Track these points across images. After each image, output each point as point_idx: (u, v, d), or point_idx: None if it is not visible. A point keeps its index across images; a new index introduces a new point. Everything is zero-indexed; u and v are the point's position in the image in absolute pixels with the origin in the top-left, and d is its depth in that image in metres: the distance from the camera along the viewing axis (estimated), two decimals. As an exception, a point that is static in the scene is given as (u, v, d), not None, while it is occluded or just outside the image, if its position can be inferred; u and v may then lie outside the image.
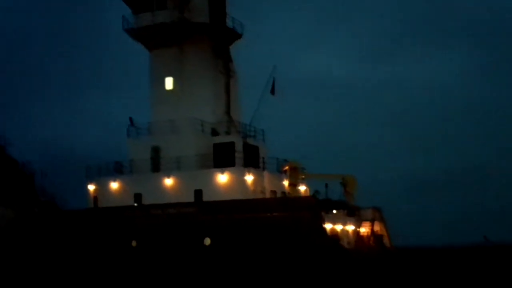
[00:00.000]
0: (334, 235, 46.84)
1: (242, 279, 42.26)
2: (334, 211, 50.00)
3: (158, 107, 52.94)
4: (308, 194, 56.03)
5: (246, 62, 57.71)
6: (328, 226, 47.53)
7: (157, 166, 50.04)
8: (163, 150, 50.17)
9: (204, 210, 44.50)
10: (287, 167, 49.69)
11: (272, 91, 52.60)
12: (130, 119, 52.48)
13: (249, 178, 47.08)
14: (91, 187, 51.28)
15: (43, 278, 47.82)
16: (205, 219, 44.06)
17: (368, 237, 53.24)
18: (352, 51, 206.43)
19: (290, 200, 44.55)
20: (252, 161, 50.70)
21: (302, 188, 55.56)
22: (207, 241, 43.83)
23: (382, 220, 55.11)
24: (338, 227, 49.60)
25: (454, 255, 42.56)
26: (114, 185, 50.16)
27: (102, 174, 51.28)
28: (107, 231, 47.10)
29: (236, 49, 55.74)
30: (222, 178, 46.78)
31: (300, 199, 44.68)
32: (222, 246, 43.18)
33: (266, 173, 49.32)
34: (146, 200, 48.42)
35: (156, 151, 50.46)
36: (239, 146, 50.19)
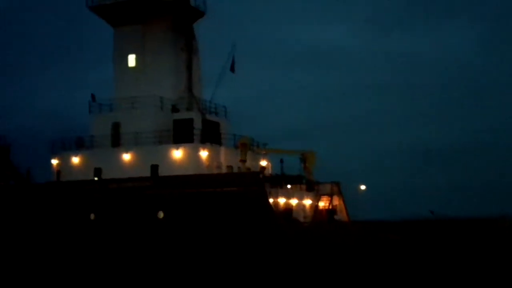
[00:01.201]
0: (287, 209, 48.43)
1: (191, 251, 43.94)
2: (289, 186, 51.49)
3: (121, 83, 54.17)
4: (269, 169, 57.67)
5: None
6: (281, 200, 49.24)
7: (117, 142, 51.43)
8: (123, 126, 51.50)
9: (157, 184, 46.03)
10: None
11: (232, 69, 53.78)
12: (92, 95, 53.82)
13: (204, 153, 48.44)
14: (54, 161, 52.72)
15: (10, 250, 49.55)
16: (158, 193, 45.59)
17: (326, 211, 54.92)
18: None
19: (237, 175, 45.95)
20: (212, 137, 51.98)
21: (264, 163, 57.08)
22: (160, 214, 45.45)
23: (340, 194, 56.66)
24: (293, 201, 51.18)
25: (402, 228, 44.07)
26: (76, 160, 51.61)
27: (65, 149, 52.66)
28: (67, 205, 48.68)
29: (199, 27, 56.87)
30: (177, 153, 48.16)
31: (246, 174, 45.97)
32: (174, 219, 44.79)
33: (222, 149, 50.62)
34: (106, 175, 49.85)
35: (116, 127, 51.81)
36: (198, 123, 51.46)
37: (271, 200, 46.61)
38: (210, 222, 43.75)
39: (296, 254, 41.81)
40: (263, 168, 47.40)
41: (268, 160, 57.44)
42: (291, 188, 52.11)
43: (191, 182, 45.01)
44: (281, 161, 54.80)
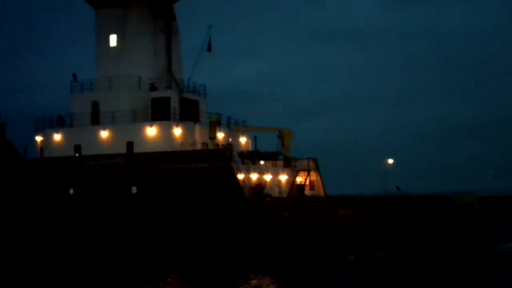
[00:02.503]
0: (258, 184, 50.09)
1: (162, 225, 45.93)
2: (262, 162, 53.10)
3: (102, 63, 55.97)
4: (249, 146, 59.37)
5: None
6: (253, 176, 50.92)
7: (96, 120, 53.32)
8: (102, 104, 53.35)
9: (130, 161, 47.94)
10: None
11: (209, 49, 55.32)
12: (74, 75, 55.65)
13: (177, 131, 50.17)
14: (38, 138, 54.79)
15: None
16: (131, 170, 47.52)
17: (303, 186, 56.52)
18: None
19: (204, 152, 47.64)
20: (190, 115, 53.69)
21: (243, 140, 58.77)
22: (134, 189, 47.40)
23: (317, 170, 58.22)
24: (268, 177, 52.82)
25: (367, 203, 45.66)
26: (57, 137, 53.61)
27: (48, 127, 54.70)
28: (48, 180, 50.83)
29: (180, 7, 58.39)
30: (151, 131, 49.93)
31: (213, 151, 47.68)
32: (146, 194, 46.74)
33: (197, 127, 52.25)
34: (85, 151, 51.80)
35: (95, 105, 53.66)
36: (175, 101, 53.15)
37: (241, 176, 48.46)
38: (179, 197, 45.62)
39: (259, 226, 43.67)
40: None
41: (248, 137, 59.24)
42: (265, 164, 53.77)
43: (162, 158, 46.85)
44: (255, 138, 56.62)
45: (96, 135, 51.87)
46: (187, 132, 51.24)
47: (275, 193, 52.59)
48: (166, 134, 49.89)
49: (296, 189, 52.64)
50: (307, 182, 57.08)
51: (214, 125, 49.60)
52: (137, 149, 50.07)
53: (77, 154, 52.20)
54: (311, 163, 57.86)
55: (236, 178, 45.48)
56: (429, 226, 42.02)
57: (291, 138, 57.46)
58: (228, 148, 48.55)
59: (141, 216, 46.82)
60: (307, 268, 39.22)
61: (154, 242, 46.15)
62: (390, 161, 76.26)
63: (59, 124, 54.30)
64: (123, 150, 50.49)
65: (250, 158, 52.27)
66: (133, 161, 48.02)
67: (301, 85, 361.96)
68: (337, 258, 40.90)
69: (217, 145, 51.99)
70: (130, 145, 50.23)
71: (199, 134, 52.37)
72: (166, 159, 46.80)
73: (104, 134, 51.54)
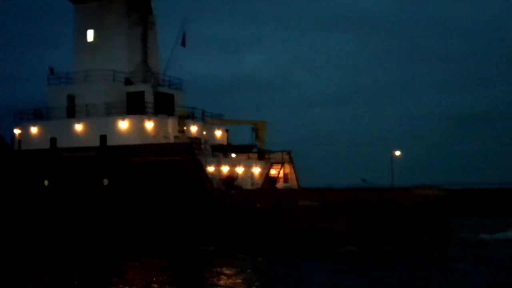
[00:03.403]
0: (229, 177, 51.25)
1: (132, 215, 47.26)
2: (233, 155, 54.25)
3: (80, 57, 57.05)
4: (225, 139, 60.39)
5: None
6: (225, 168, 52.10)
7: (72, 113, 54.48)
8: (78, 98, 54.49)
9: (102, 154, 49.21)
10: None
11: (183, 43, 56.41)
12: (51, 69, 56.75)
13: (150, 125, 51.32)
14: (17, 131, 55.98)
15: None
16: (103, 162, 48.79)
17: (277, 178, 57.66)
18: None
19: (173, 146, 48.78)
20: (165, 108, 54.76)
21: (218, 133, 59.83)
22: (105, 181, 48.70)
23: (291, 162, 59.31)
24: (240, 170, 53.97)
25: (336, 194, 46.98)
26: (34, 130, 54.79)
27: (26, 120, 55.90)
28: (25, 172, 52.18)
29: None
30: (123, 124, 51.07)
31: (180, 145, 48.82)
32: (117, 186, 48.04)
33: (170, 120, 53.31)
34: (61, 144, 52.96)
35: (71, 99, 54.82)
36: (149, 95, 54.24)
37: (211, 169, 49.67)
38: (148, 189, 46.91)
39: (224, 217, 44.96)
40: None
41: (224, 130, 60.29)
42: (238, 156, 54.93)
43: (132, 152, 48.12)
44: (227, 131, 57.73)
45: (71, 128, 52.99)
46: (160, 126, 52.31)
47: (248, 186, 53.79)
48: (138, 127, 50.98)
49: (267, 182, 53.71)
50: (281, 175, 58.30)
51: (183, 119, 50.69)
52: (110, 142, 51.17)
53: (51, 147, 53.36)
54: (285, 156, 58.94)
55: (203, 170, 46.68)
56: (387, 217, 43.22)
57: (265, 131, 58.55)
58: (196, 141, 49.70)
59: (112, 207, 48.12)
60: (265, 257, 40.39)
61: (124, 232, 47.46)
62: (398, 153, 77.22)
63: (36, 117, 55.47)
64: (97, 143, 51.65)
65: (222, 151, 53.46)
66: (105, 154, 49.27)
67: (310, 76, 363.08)
68: (294, 248, 42.12)
69: (190, 138, 53.09)
70: (103, 138, 51.37)
71: (173, 128, 53.44)
72: (136, 152, 48.06)
73: (79, 127, 52.69)
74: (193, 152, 46.52)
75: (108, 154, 48.96)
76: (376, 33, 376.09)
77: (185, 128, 50.89)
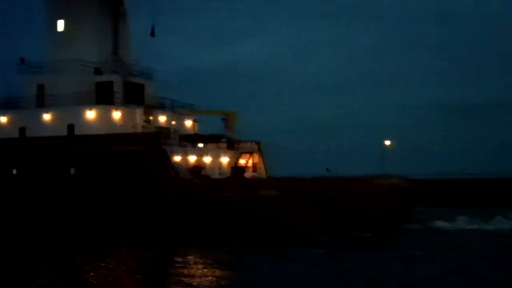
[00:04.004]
0: (196, 166, 51.96)
1: (98, 204, 47.88)
2: (200, 145, 54.93)
3: (50, 47, 57.41)
4: (195, 129, 61.03)
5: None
6: (192, 158, 52.80)
7: (41, 103, 54.94)
8: (47, 87, 54.94)
9: (69, 143, 49.79)
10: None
11: (152, 33, 57.04)
12: (21, 59, 57.05)
13: (117, 114, 51.90)
14: (-13, 120, 56.45)
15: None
16: (70, 151, 49.35)
17: (246, 167, 58.45)
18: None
19: (138, 135, 49.38)
20: (134, 98, 55.31)
21: (189, 123, 60.45)
22: (72, 170, 49.29)
23: (260, 152, 60.09)
24: (207, 159, 54.69)
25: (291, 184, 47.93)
26: (3, 119, 55.24)
27: (-4, 109, 56.37)
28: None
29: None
30: (91, 114, 51.62)
31: (146, 135, 49.45)
32: (83, 175, 48.63)
33: (138, 110, 53.88)
34: (30, 133, 53.46)
35: (40, 88, 55.28)
36: (118, 85, 54.75)
37: (178, 158, 50.35)
38: (113, 178, 47.51)
39: (189, 206, 45.70)
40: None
41: (194, 121, 60.93)
42: (206, 146, 55.64)
43: (98, 141, 48.68)
44: (195, 121, 58.40)
45: (40, 117, 53.49)
46: (129, 116, 52.89)
47: (216, 175, 54.50)
48: (106, 117, 51.55)
49: (233, 171, 54.44)
50: (250, 164, 59.07)
51: (149, 109, 51.26)
52: (78, 131, 51.69)
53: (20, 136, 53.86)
54: (254, 146, 59.76)
55: (168, 160, 47.32)
56: (344, 206, 44.16)
57: (236, 121, 59.26)
58: (163, 131, 50.44)
59: (78, 197, 48.70)
60: (230, 245, 41.13)
61: (89, 221, 48.06)
62: (387, 142, 77.83)
63: (6, 106, 55.89)
64: (66, 132, 52.18)
65: (189, 141, 54.12)
66: (72, 143, 49.83)
67: (303, 65, 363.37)
68: (256, 236, 42.91)
69: (158, 128, 53.72)
70: (71, 127, 51.93)
71: (141, 118, 54.00)
72: (102, 141, 48.61)
73: (47, 117, 53.20)
74: (158, 142, 47.15)
75: (75, 143, 49.51)
76: (371, 23, 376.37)
77: (151, 118, 51.40)
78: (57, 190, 49.50)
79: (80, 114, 51.93)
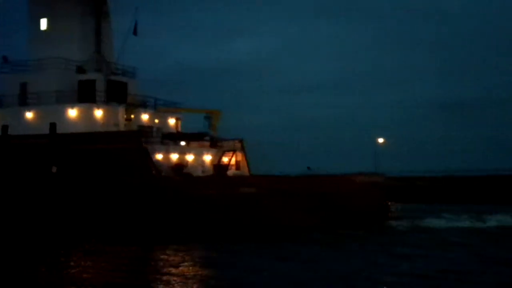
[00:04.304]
0: (178, 164, 52.28)
1: (80, 203, 48.08)
2: (183, 143, 55.23)
3: (33, 46, 57.71)
4: (179, 127, 61.31)
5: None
6: (174, 156, 53.12)
7: (24, 101, 55.17)
8: (30, 86, 55.17)
9: (52, 141, 49.94)
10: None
11: (135, 32, 57.27)
12: (4, 57, 57.34)
13: (99, 113, 52.14)
14: (-30, 119, 56.55)
15: None
16: (52, 150, 49.52)
17: (229, 165, 58.82)
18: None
19: (119, 134, 49.63)
20: (117, 97, 55.54)
21: (172, 121, 60.70)
22: (54, 169, 49.47)
23: (243, 150, 60.47)
24: (190, 157, 55.01)
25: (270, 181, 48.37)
26: (-14, 118, 55.46)
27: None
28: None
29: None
30: (72, 112, 51.85)
31: (126, 133, 49.70)
32: (65, 173, 48.81)
33: (121, 108, 54.12)
34: (13, 132, 53.44)
35: (23, 86, 55.50)
36: (100, 83, 54.99)
37: (160, 156, 50.67)
38: (94, 176, 47.70)
39: (169, 203, 45.99)
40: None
41: (178, 118, 61.21)
42: (188, 144, 55.92)
43: (80, 139, 48.90)
44: (177, 119, 58.69)
45: (23, 116, 53.70)
46: (111, 114, 53.13)
47: (199, 173, 54.83)
48: (87, 115, 51.80)
49: (215, 169, 54.79)
50: (233, 162, 59.42)
51: (130, 107, 51.50)
52: (60, 130, 51.64)
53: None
54: (237, 144, 60.13)
55: (148, 158, 47.59)
56: (323, 203, 44.61)
57: (219, 119, 59.61)
58: (144, 129, 50.74)
59: (60, 194, 48.87)
60: (205, 243, 41.46)
61: (71, 219, 48.23)
62: (381, 140, 78.29)
63: (-11, 105, 56.16)
64: (46, 131, 52.28)
65: (172, 139, 54.42)
66: (54, 141, 49.97)
67: (296, 63, 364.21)
68: (234, 234, 43.27)
69: (140, 126, 53.99)
70: (53, 126, 52.04)
71: (123, 116, 54.23)
72: (83, 140, 48.83)
73: (30, 115, 53.41)
74: (138, 140, 47.41)
75: (56, 141, 49.66)
76: (365, 20, 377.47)
77: (133, 116, 51.63)
78: (39, 188, 49.65)
79: (62, 113, 52.14)
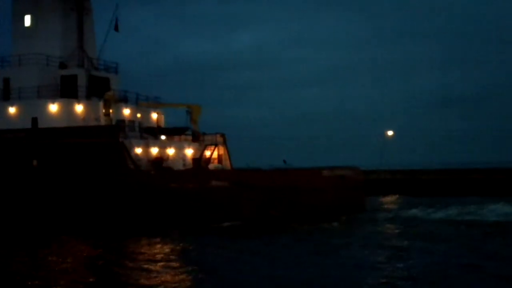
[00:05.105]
0: (157, 158, 53.29)
1: (59, 195, 49.20)
2: (163, 137, 56.19)
3: (17, 42, 58.72)
4: (161, 122, 62.25)
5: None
6: (154, 150, 54.12)
7: (7, 96, 56.22)
8: (12, 81, 56.21)
9: (31, 136, 51.06)
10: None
11: (116, 28, 58.24)
12: (-12, 53, 58.45)
13: (79, 108, 53.15)
14: (-46, 114, 57.58)
15: None
16: (32, 144, 50.63)
17: (210, 159, 59.79)
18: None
19: (96, 128, 50.63)
20: (99, 92, 56.49)
21: (154, 115, 61.66)
22: (35, 162, 50.61)
23: (225, 144, 61.39)
24: (171, 151, 55.99)
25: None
26: (-30, 112, 56.52)
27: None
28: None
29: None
30: (53, 107, 52.87)
31: (103, 127, 50.70)
32: (45, 166, 49.93)
33: (101, 103, 55.03)
34: (-4, 126, 54.74)
35: (6, 82, 56.55)
36: (82, 79, 55.99)
37: (139, 150, 51.68)
38: (72, 170, 48.84)
39: (144, 195, 47.09)
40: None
41: (161, 113, 62.17)
42: (168, 138, 56.87)
43: (60, 134, 49.99)
44: (159, 114, 59.68)
45: (6, 111, 54.71)
46: (91, 109, 54.09)
47: (180, 167, 55.81)
48: (68, 110, 52.80)
49: (194, 163, 55.79)
50: (215, 156, 60.37)
51: (108, 102, 52.42)
52: (41, 124, 52.85)
53: None
54: (219, 138, 61.02)
55: (125, 152, 48.63)
56: (289, 196, 45.74)
57: (199, 114, 60.52)
58: (122, 124, 51.78)
59: (40, 188, 49.98)
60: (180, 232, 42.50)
61: (51, 213, 49.37)
62: (390, 133, 78.98)
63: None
64: (28, 125, 53.38)
65: (152, 133, 55.41)
66: (35, 136, 51.09)
67: (300, 55, 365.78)
68: (205, 225, 44.36)
69: (120, 121, 54.97)
70: (34, 120, 53.14)
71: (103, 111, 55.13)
72: (62, 134, 49.92)
73: (12, 110, 54.43)
74: (115, 134, 48.45)
75: (37, 136, 50.76)
76: (366, 12, 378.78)
77: (111, 111, 52.56)
78: (20, 181, 50.77)
79: (43, 108, 53.14)
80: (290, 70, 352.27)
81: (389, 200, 69.74)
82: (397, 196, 74.97)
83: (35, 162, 50.44)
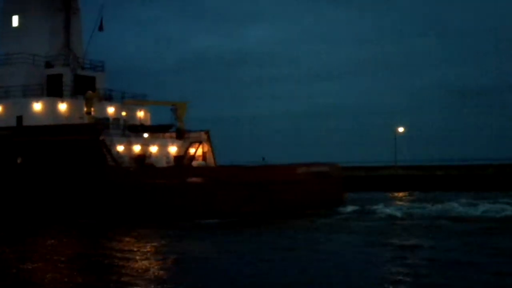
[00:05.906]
0: (140, 155, 54.42)
1: (42, 191, 50.40)
2: (146, 135, 57.28)
3: (5, 42, 60.05)
4: (148, 119, 63.39)
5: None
6: (136, 148, 55.24)
7: (-7, 94, 57.55)
8: (0, 80, 57.43)
9: (17, 133, 52.33)
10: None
11: (100, 28, 59.41)
12: (-24, 53, 59.68)
13: (63, 106, 54.37)
14: None
15: None
16: (16, 141, 51.87)
17: (193, 156, 60.82)
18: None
19: (77, 126, 51.79)
20: (84, 90, 57.54)
21: (141, 113, 62.77)
22: (19, 159, 51.86)
23: (209, 142, 62.38)
24: (153, 149, 57.08)
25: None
26: (-44, 111, 57.78)
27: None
28: None
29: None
30: (38, 106, 54.09)
31: (84, 125, 51.85)
32: (29, 163, 51.19)
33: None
34: (-18, 124, 55.99)
35: (-8, 81, 57.88)
36: (68, 78, 57.19)
37: (121, 148, 52.82)
38: (54, 167, 50.04)
39: (123, 191, 48.22)
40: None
41: (147, 111, 63.30)
42: (151, 136, 57.94)
43: (43, 132, 51.24)
44: (145, 111, 60.82)
45: None
46: (76, 107, 55.25)
47: (163, 164, 56.87)
48: (52, 109, 54.01)
49: (175, 160, 56.87)
50: (200, 153, 61.38)
51: (90, 100, 53.50)
52: (26, 123, 54.12)
53: None
54: (203, 135, 62.00)
55: (105, 149, 49.78)
56: (264, 192, 46.87)
57: (185, 111, 61.48)
58: (100, 121, 52.88)
59: (25, 184, 51.22)
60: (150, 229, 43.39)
61: (34, 208, 50.61)
62: (401, 129, 79.59)
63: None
64: (14, 123, 54.67)
65: (135, 131, 56.51)
66: (19, 133, 52.36)
67: (311, 50, 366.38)
68: (182, 221, 45.36)
69: (106, 118, 56.21)
70: (19, 119, 54.41)
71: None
72: (46, 132, 51.14)
73: (-2, 108, 55.77)
74: (95, 132, 49.61)
75: (21, 134, 52.02)
76: (382, 5, 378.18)
77: (93, 109, 53.67)
78: (5, 178, 52.04)
79: (28, 106, 54.39)
80: (305, 65, 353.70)
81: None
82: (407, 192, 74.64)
83: (19, 159, 51.68)
